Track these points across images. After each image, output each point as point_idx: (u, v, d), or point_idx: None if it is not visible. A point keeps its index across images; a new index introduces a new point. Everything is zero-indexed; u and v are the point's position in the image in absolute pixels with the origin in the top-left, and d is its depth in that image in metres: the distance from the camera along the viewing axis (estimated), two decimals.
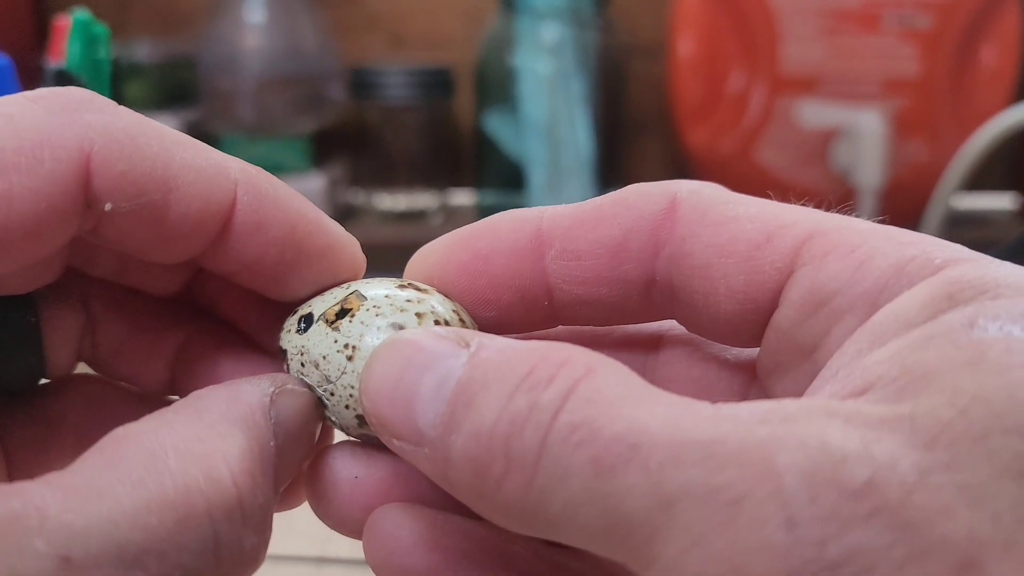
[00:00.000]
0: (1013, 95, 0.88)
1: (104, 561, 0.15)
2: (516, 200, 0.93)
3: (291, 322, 0.21)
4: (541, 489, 0.15)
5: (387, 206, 1.00)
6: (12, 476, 0.21)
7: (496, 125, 0.95)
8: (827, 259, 0.18)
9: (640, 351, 0.22)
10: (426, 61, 1.03)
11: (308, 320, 0.21)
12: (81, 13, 0.47)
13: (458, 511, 0.20)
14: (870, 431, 0.14)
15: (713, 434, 0.14)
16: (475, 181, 1.02)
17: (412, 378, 0.17)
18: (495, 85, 0.95)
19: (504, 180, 0.95)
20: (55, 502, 0.15)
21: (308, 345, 0.20)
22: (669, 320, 0.22)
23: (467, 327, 0.21)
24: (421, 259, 0.22)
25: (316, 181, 0.94)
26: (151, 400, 0.23)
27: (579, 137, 0.91)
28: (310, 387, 0.20)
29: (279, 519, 0.19)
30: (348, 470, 0.20)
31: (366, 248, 0.23)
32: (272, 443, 0.19)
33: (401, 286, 0.21)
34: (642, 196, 0.20)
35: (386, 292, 0.21)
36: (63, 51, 0.47)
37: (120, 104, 0.19)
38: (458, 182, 1.05)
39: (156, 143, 0.19)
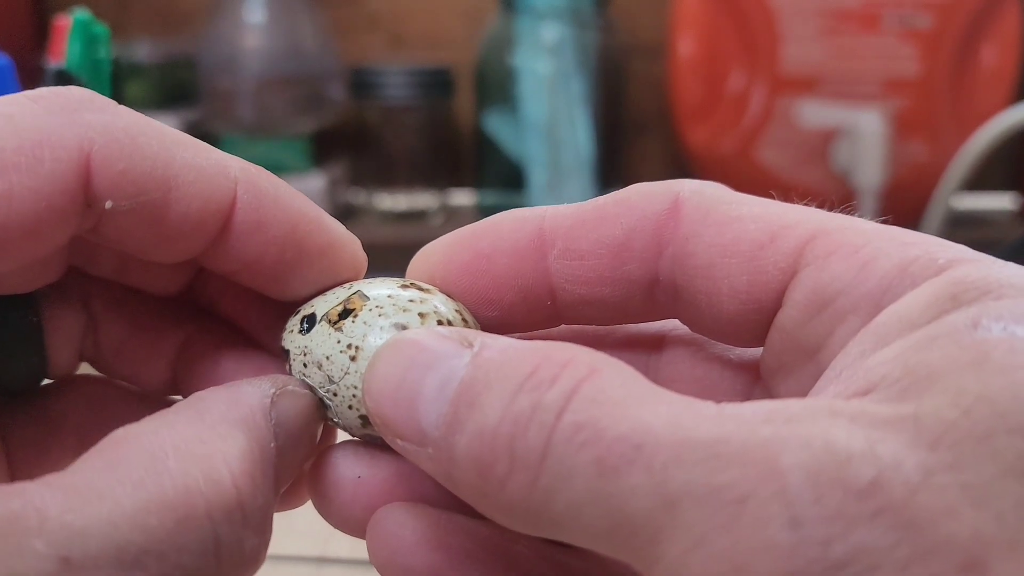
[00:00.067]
0: (1013, 95, 0.88)
1: (104, 562, 0.15)
2: (516, 200, 0.93)
3: (293, 322, 0.21)
4: (545, 489, 0.15)
5: (387, 206, 1.00)
6: (14, 476, 0.21)
7: (496, 125, 0.95)
8: (830, 259, 0.18)
9: (643, 351, 0.22)
10: (426, 61, 1.03)
11: (311, 320, 0.21)
12: (81, 13, 0.47)
13: (461, 511, 0.20)
14: (875, 431, 0.14)
15: (717, 434, 0.14)
16: (475, 181, 1.02)
17: (415, 378, 0.17)
18: (495, 85, 0.95)
19: (504, 180, 0.95)
20: (55, 503, 0.15)
21: (311, 345, 0.20)
22: (672, 320, 0.22)
23: (470, 327, 0.21)
24: (423, 259, 0.22)
25: (316, 181, 0.94)
26: (152, 400, 0.23)
27: (579, 137, 0.91)
28: (312, 388, 0.20)
29: (279, 519, 0.19)
30: (351, 470, 0.20)
31: (366, 248, 0.23)
32: (272, 444, 0.19)
33: (403, 286, 0.21)
34: (644, 196, 0.20)
35: (389, 292, 0.21)
36: (63, 51, 0.47)
37: (120, 104, 0.19)
38: (458, 182, 1.05)
39: (156, 142, 0.19)
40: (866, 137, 0.85)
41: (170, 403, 0.22)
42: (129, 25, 1.06)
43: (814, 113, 0.88)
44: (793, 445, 0.14)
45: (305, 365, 0.20)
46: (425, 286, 0.21)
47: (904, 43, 0.86)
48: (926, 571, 0.13)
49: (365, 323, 0.20)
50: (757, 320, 0.19)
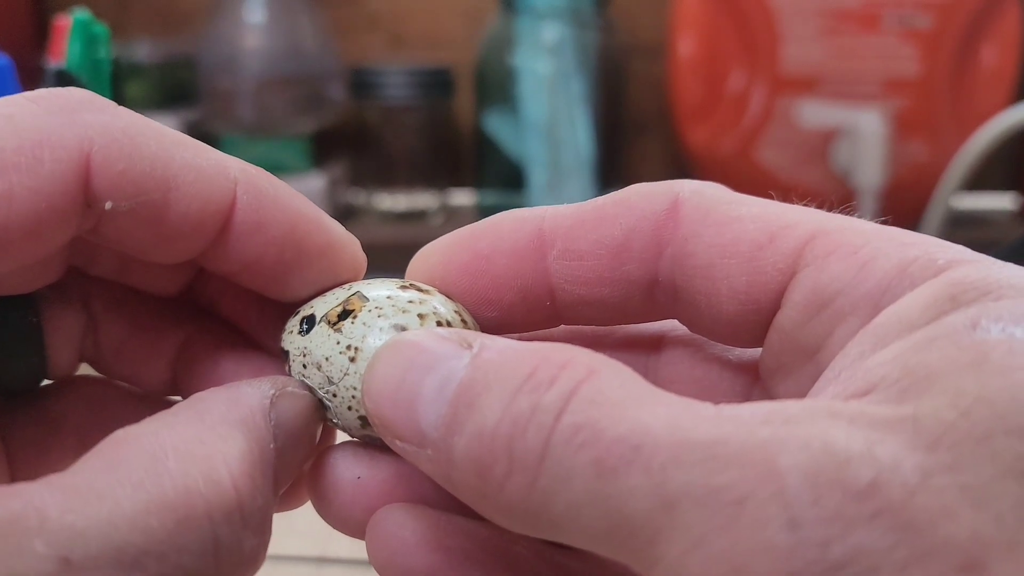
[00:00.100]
0: (1013, 95, 0.88)
1: (103, 563, 0.15)
2: (516, 200, 0.93)
3: (293, 323, 0.21)
4: (544, 490, 0.15)
5: (387, 206, 1.00)
6: (14, 476, 0.21)
7: (496, 125, 0.95)
8: (830, 260, 0.18)
9: (642, 351, 0.22)
10: (426, 61, 1.03)
11: (310, 321, 0.21)
12: (81, 13, 0.47)
13: (461, 512, 0.20)
14: (873, 432, 0.14)
15: (715, 435, 0.14)
16: (475, 181, 1.02)
17: (414, 379, 0.17)
18: (495, 85, 0.95)
19: (504, 180, 0.95)
20: (55, 503, 0.15)
21: (310, 346, 0.20)
22: (671, 320, 0.22)
23: (469, 328, 0.21)
24: (422, 259, 0.22)
25: (316, 181, 0.94)
26: (152, 401, 0.23)
27: (579, 137, 0.91)
28: (312, 389, 0.20)
29: (279, 519, 0.20)
30: (351, 470, 0.20)
31: (366, 248, 0.23)
32: (272, 445, 0.19)
33: (403, 287, 0.21)
34: (644, 196, 0.20)
35: (388, 293, 0.21)
36: (63, 51, 0.47)
37: (120, 104, 0.20)
38: (458, 182, 1.05)
39: (155, 143, 0.19)
40: (866, 137, 0.85)
41: (170, 404, 0.22)
42: (129, 25, 1.06)
43: (814, 113, 0.88)
44: (792, 446, 0.14)
45: (304, 366, 0.20)
46: (424, 287, 0.21)
47: (904, 43, 0.86)
48: (925, 572, 0.13)
49: (364, 324, 0.20)
50: (756, 321, 0.19)
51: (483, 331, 0.21)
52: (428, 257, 0.22)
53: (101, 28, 0.48)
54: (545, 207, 0.21)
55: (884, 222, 0.19)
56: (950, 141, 0.85)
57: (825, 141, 0.88)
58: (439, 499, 0.20)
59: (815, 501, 0.13)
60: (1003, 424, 0.14)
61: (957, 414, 0.14)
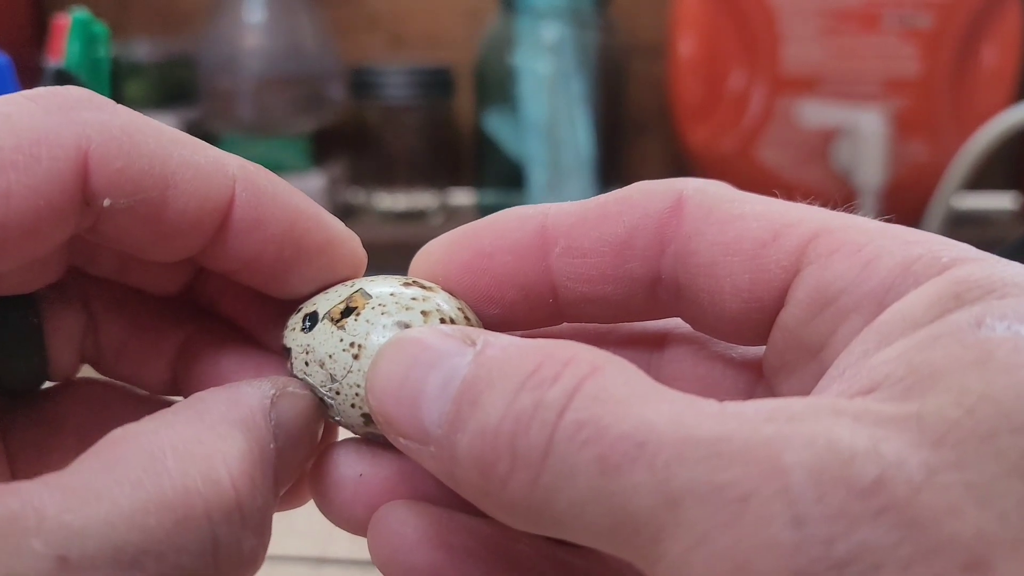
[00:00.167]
0: (1013, 95, 0.88)
1: (101, 562, 0.15)
2: (516, 200, 0.93)
3: (295, 320, 0.21)
4: (547, 487, 0.15)
5: (387, 206, 1.00)
6: (15, 477, 0.21)
7: (496, 125, 0.95)
8: (833, 258, 0.18)
9: (645, 349, 0.22)
10: (426, 61, 1.03)
11: (313, 318, 0.21)
12: (80, 12, 0.47)
13: (463, 509, 0.20)
14: (878, 429, 0.14)
15: (719, 432, 0.14)
16: (475, 181, 1.02)
17: (418, 376, 0.17)
18: (495, 85, 0.95)
19: (504, 180, 0.95)
20: (53, 502, 0.15)
21: (313, 344, 0.20)
22: (674, 318, 0.22)
23: (472, 325, 0.21)
24: (425, 256, 0.22)
25: (316, 181, 0.94)
26: (153, 401, 0.23)
27: (579, 137, 0.91)
28: (313, 387, 0.20)
29: (279, 519, 0.19)
30: (353, 467, 0.20)
31: (366, 248, 0.22)
32: (272, 445, 0.19)
33: (406, 284, 0.21)
34: (647, 194, 0.20)
35: (391, 290, 0.21)
36: (62, 50, 0.46)
37: (119, 103, 0.19)
38: (458, 182, 1.05)
39: (153, 140, 0.19)
40: (866, 137, 0.85)
41: (170, 404, 0.22)
42: (129, 25, 1.06)
43: (814, 113, 0.88)
44: (796, 443, 0.14)
45: (307, 363, 0.20)
46: (427, 284, 0.21)
47: (904, 43, 0.86)
48: (929, 570, 0.13)
49: (368, 321, 0.20)
50: (759, 318, 0.19)
51: (486, 328, 0.21)
52: (430, 254, 0.22)
53: (100, 27, 0.48)
54: (548, 204, 0.21)
55: (888, 221, 0.19)
56: (950, 141, 0.85)
57: (825, 141, 0.88)
58: (442, 496, 0.20)
59: (819, 498, 0.13)
60: (1008, 422, 0.14)
61: (962, 412, 0.14)
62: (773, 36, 0.88)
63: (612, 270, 0.20)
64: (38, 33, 0.96)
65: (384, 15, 1.07)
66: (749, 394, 0.21)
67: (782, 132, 0.89)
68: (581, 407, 0.15)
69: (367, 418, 0.20)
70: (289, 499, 0.22)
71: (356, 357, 0.20)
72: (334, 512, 0.21)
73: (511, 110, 0.93)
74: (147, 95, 0.95)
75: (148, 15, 1.08)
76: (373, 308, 0.20)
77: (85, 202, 0.18)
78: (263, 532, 0.18)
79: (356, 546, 0.20)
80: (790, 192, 0.21)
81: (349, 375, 0.20)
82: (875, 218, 0.19)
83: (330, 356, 0.20)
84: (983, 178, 0.86)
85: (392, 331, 0.20)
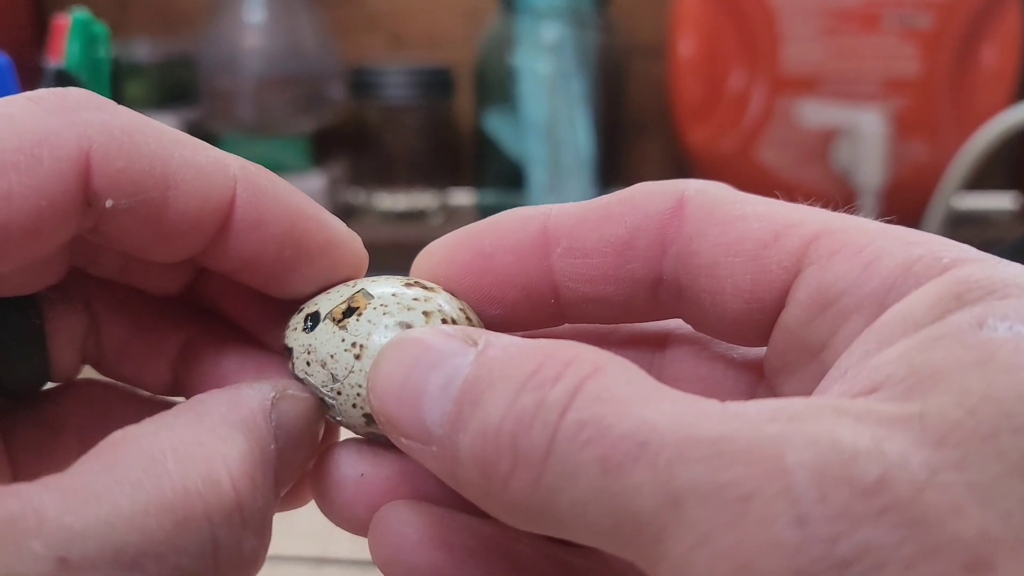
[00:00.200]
0: (1013, 95, 0.88)
1: (101, 563, 0.15)
2: (516, 200, 0.93)
3: (296, 320, 0.21)
4: (548, 487, 0.15)
5: (387, 206, 1.00)
6: (16, 479, 0.21)
7: (496, 125, 0.95)
8: (834, 259, 0.18)
9: (646, 350, 0.22)
10: (426, 61, 1.03)
11: (314, 318, 0.21)
12: (81, 12, 0.47)
13: (464, 509, 0.20)
14: (880, 429, 0.14)
15: (721, 432, 0.14)
16: (475, 181, 1.02)
17: (419, 376, 0.17)
18: (495, 85, 0.95)
19: (504, 180, 0.95)
20: (53, 504, 0.15)
21: (315, 344, 0.20)
22: (675, 319, 0.22)
23: (474, 326, 0.21)
24: (426, 257, 0.22)
25: (316, 181, 0.94)
26: (154, 402, 0.23)
27: (579, 137, 0.91)
28: (314, 387, 0.20)
29: (279, 519, 0.19)
30: (354, 467, 0.20)
31: (366, 248, 0.22)
32: (272, 446, 0.19)
33: (407, 284, 0.21)
34: (648, 195, 0.20)
35: (393, 290, 0.21)
36: (63, 50, 0.46)
37: (120, 104, 0.19)
38: (458, 182, 1.05)
39: (155, 141, 0.19)
40: (866, 137, 0.85)
41: (172, 404, 0.22)
42: (129, 25, 1.06)
43: (814, 113, 0.88)
44: (798, 443, 0.14)
45: (308, 363, 0.20)
46: (429, 284, 0.21)
47: (904, 43, 0.86)
48: (932, 569, 0.13)
49: (370, 321, 0.20)
50: (761, 319, 0.19)
51: (487, 329, 0.21)
52: (432, 255, 0.22)
53: (101, 28, 0.48)
54: (549, 205, 0.21)
55: (889, 221, 0.19)
56: (950, 141, 0.85)
57: (825, 141, 0.88)
58: (443, 496, 0.20)
59: (822, 498, 0.13)
60: (1010, 422, 0.14)
61: (964, 412, 0.14)
62: (773, 36, 0.88)
63: (614, 271, 0.20)
64: (38, 33, 0.96)
65: (384, 15, 1.07)
66: (750, 395, 0.21)
67: (782, 132, 0.89)
68: (583, 407, 0.15)
69: (368, 418, 0.20)
70: (290, 499, 0.22)
71: (358, 357, 0.20)
72: (335, 512, 0.21)
73: (511, 110, 0.93)
74: (147, 95, 0.95)
75: (148, 15, 1.08)
76: (375, 308, 0.20)
77: (87, 203, 0.18)
78: (263, 533, 0.18)
79: (356, 546, 0.20)
80: (790, 192, 0.21)
81: (351, 375, 0.20)
82: (875, 219, 0.19)
83: (332, 356, 0.20)
84: (983, 178, 0.86)
85: (394, 331, 0.20)
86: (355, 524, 0.20)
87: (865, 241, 0.18)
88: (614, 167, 0.97)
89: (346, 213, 1.00)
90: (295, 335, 0.21)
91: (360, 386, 0.20)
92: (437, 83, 0.99)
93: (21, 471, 0.21)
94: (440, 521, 0.20)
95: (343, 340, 0.20)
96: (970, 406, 0.14)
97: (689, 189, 0.20)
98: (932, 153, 0.88)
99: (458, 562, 0.19)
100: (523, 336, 0.18)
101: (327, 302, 0.21)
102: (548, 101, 0.90)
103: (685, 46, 0.92)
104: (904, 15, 0.86)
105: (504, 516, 0.16)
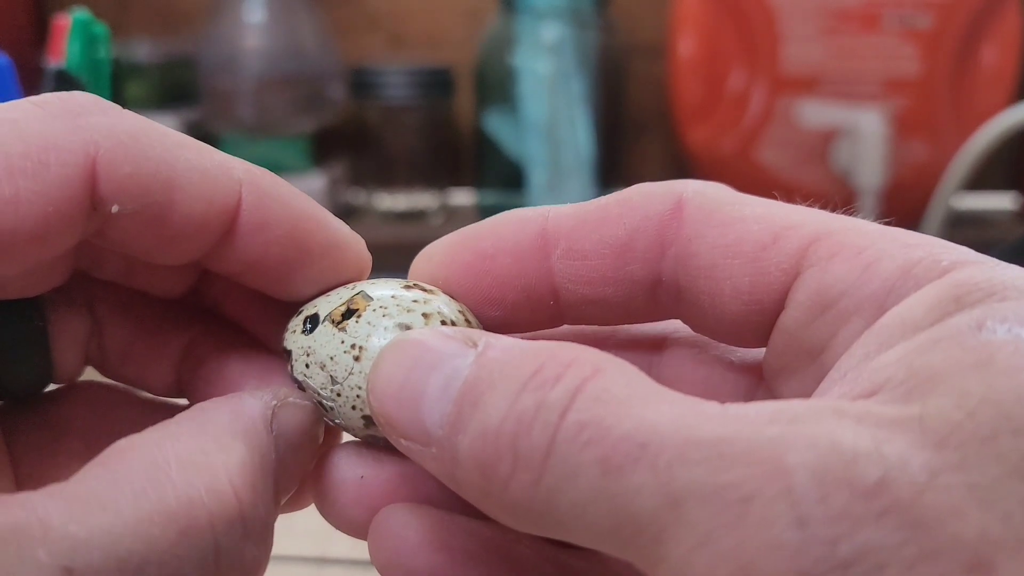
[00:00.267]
0: (1013, 95, 0.88)
1: (106, 572, 0.15)
2: (516, 200, 0.93)
3: (296, 323, 0.21)
4: (549, 488, 0.15)
5: (387, 206, 1.00)
6: (19, 481, 0.21)
7: (496, 125, 0.95)
8: (833, 261, 0.18)
9: (644, 352, 0.22)
10: (426, 61, 1.03)
11: (314, 321, 0.21)
12: (81, 13, 0.47)
13: (464, 512, 0.20)
14: (880, 431, 0.14)
15: (721, 433, 0.14)
16: (475, 181, 1.02)
17: (419, 378, 0.17)
18: (495, 85, 0.95)
19: (504, 180, 0.95)
20: (58, 513, 0.15)
21: (314, 346, 0.20)
22: (674, 321, 0.22)
23: (473, 328, 0.21)
24: (425, 259, 0.22)
25: (316, 181, 0.94)
26: (157, 404, 0.23)
27: (579, 137, 0.91)
28: (313, 388, 0.20)
29: (279, 520, 0.20)
30: (353, 470, 0.20)
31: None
32: (274, 455, 0.19)
33: (407, 286, 0.21)
34: (647, 196, 0.20)
35: (392, 293, 0.21)
36: (63, 51, 0.46)
37: (120, 104, 0.20)
38: (458, 182, 1.05)
39: (159, 145, 0.19)
40: (866, 137, 0.85)
41: (175, 407, 0.22)
42: (129, 25, 1.06)
43: (814, 113, 0.88)
44: (799, 445, 0.14)
45: (307, 366, 0.20)
46: (428, 287, 0.21)
47: (904, 43, 0.86)
48: (933, 571, 0.13)
49: (369, 323, 0.20)
50: (760, 321, 0.19)
51: (487, 331, 0.21)
52: (431, 257, 0.22)
53: (101, 28, 0.48)
54: (548, 207, 0.21)
55: (888, 223, 0.19)
56: (950, 141, 0.85)
57: (825, 141, 0.88)
58: (442, 499, 0.20)
59: (822, 499, 0.13)
60: (1009, 424, 0.14)
61: (963, 414, 0.14)
62: (773, 36, 0.88)
63: (613, 272, 0.20)
64: (39, 34, 0.96)
65: (384, 15, 1.07)
66: (749, 397, 0.21)
67: (782, 132, 0.89)
68: (583, 408, 0.15)
69: (368, 420, 0.20)
70: (290, 503, 0.22)
71: (357, 359, 0.20)
72: (335, 515, 0.21)
73: (511, 110, 0.93)
74: (147, 96, 0.95)
75: (148, 15, 1.08)
76: (374, 310, 0.20)
77: (92, 208, 0.18)
78: (265, 542, 0.18)
79: (356, 547, 0.20)
80: (790, 193, 0.21)
81: (350, 377, 0.20)
82: (875, 219, 0.19)
83: (331, 358, 0.20)
84: (983, 178, 0.86)
85: (393, 333, 0.20)
86: (355, 527, 0.20)
87: (864, 243, 0.18)
88: (614, 167, 0.97)
89: (346, 213, 1.00)
90: (294, 337, 0.21)
91: (359, 388, 0.20)
92: (437, 83, 0.99)
93: (23, 473, 0.21)
94: (440, 524, 0.20)
95: (342, 342, 0.20)
96: (970, 408, 0.14)
97: (688, 190, 0.20)
98: (932, 153, 0.88)
99: (458, 565, 0.19)
100: (523, 338, 0.18)
101: (326, 304, 0.21)
102: (548, 101, 0.90)
103: (685, 46, 0.92)
104: (904, 15, 0.86)
105: (504, 517, 0.16)
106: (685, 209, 0.20)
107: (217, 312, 0.24)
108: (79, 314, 0.22)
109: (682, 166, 1.00)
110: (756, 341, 0.20)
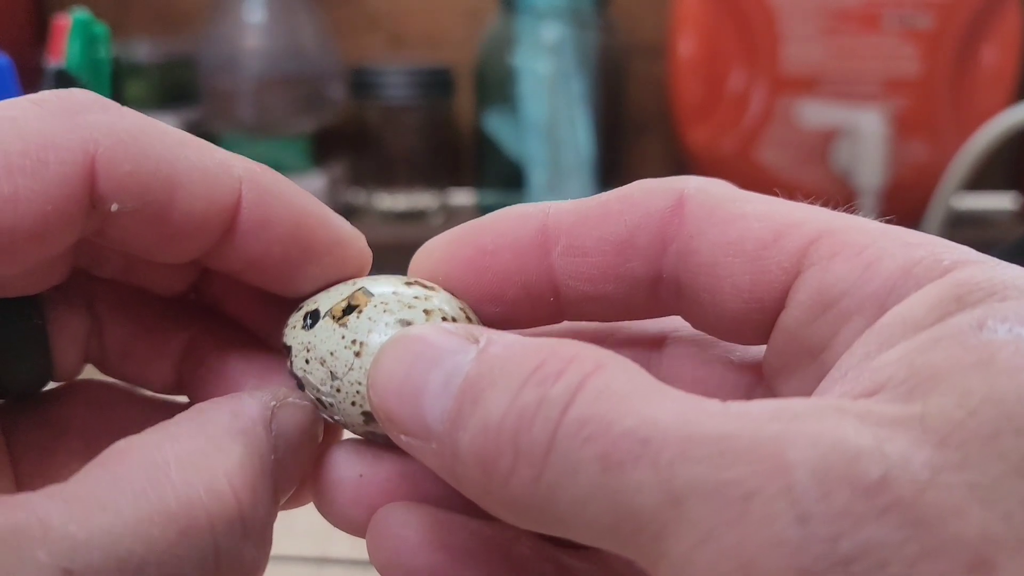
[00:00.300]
0: (1013, 95, 0.88)
1: (106, 573, 0.15)
2: (516, 200, 0.93)
3: (296, 318, 0.21)
4: (549, 484, 0.15)
5: (387, 206, 1.00)
6: (18, 480, 0.21)
7: (496, 125, 0.95)
8: (835, 260, 0.18)
9: (644, 351, 0.22)
10: (426, 61, 1.03)
11: (314, 316, 0.21)
12: (81, 13, 0.47)
13: (464, 511, 0.20)
14: (882, 429, 0.14)
15: (723, 430, 0.14)
16: (475, 181, 1.02)
17: (420, 373, 0.17)
18: (495, 85, 0.95)
19: (504, 180, 0.95)
20: (58, 514, 0.15)
21: (314, 341, 0.20)
22: (674, 320, 0.22)
23: (474, 325, 0.21)
24: (425, 255, 0.22)
25: (316, 181, 0.94)
26: (157, 402, 0.23)
27: (579, 137, 0.91)
28: (313, 384, 0.20)
29: (279, 519, 0.20)
30: (352, 468, 0.20)
31: None
32: (273, 456, 0.19)
33: (407, 283, 0.21)
34: (648, 193, 0.20)
35: (393, 289, 0.21)
36: (63, 51, 0.46)
37: (120, 104, 0.19)
38: (458, 182, 1.05)
39: (159, 143, 0.19)
40: (866, 137, 0.85)
41: (175, 405, 0.22)
42: (129, 25, 1.06)
43: (814, 113, 0.88)
44: (800, 442, 0.14)
45: (307, 361, 0.20)
46: (428, 284, 0.21)
47: (904, 43, 0.86)
48: (934, 569, 0.13)
49: (370, 319, 0.20)
50: (760, 319, 0.19)
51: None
52: (431, 253, 0.22)
53: (101, 28, 0.48)
54: (548, 203, 0.21)
55: (889, 221, 0.19)
56: (950, 141, 0.85)
57: (825, 141, 0.88)
58: (442, 498, 0.20)
59: (824, 496, 0.13)
60: (1011, 424, 0.14)
61: (965, 413, 0.14)
62: (773, 36, 0.88)
63: (613, 269, 0.20)
64: (39, 34, 0.96)
65: (384, 15, 1.07)
66: (748, 396, 0.21)
67: (782, 132, 0.89)
68: (585, 404, 0.15)
69: (367, 416, 0.20)
70: (290, 500, 0.22)
71: (358, 354, 0.20)
72: (334, 513, 0.21)
73: (511, 110, 0.93)
74: (147, 95, 0.95)
75: (148, 15, 1.08)
76: (375, 306, 0.20)
77: (92, 206, 0.18)
78: (264, 542, 0.18)
79: (356, 546, 0.20)
80: (790, 192, 0.21)
81: (350, 372, 0.20)
82: (876, 219, 0.19)
83: (331, 353, 0.20)
84: (983, 178, 0.86)
85: (394, 329, 0.20)
86: (354, 525, 0.20)
87: (866, 242, 0.18)
88: (614, 167, 0.97)
89: (346, 213, 0.99)
90: (294, 333, 0.21)
91: (359, 383, 0.20)
92: (437, 83, 0.99)
93: (24, 472, 0.21)
94: (439, 523, 0.19)
95: (343, 337, 0.20)
96: (971, 407, 0.14)
97: (689, 187, 0.20)
98: (932, 153, 0.88)
99: (456, 564, 0.19)
100: (523, 335, 0.18)
101: (327, 300, 0.21)
102: (548, 101, 0.90)
103: (685, 46, 0.91)
104: (904, 15, 0.86)
105: (504, 514, 0.16)
106: (686, 206, 0.20)
107: (217, 309, 0.24)
108: (79, 312, 0.22)
109: (682, 166, 1.00)
110: (756, 339, 0.20)
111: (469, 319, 0.21)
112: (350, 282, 0.21)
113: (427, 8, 1.06)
